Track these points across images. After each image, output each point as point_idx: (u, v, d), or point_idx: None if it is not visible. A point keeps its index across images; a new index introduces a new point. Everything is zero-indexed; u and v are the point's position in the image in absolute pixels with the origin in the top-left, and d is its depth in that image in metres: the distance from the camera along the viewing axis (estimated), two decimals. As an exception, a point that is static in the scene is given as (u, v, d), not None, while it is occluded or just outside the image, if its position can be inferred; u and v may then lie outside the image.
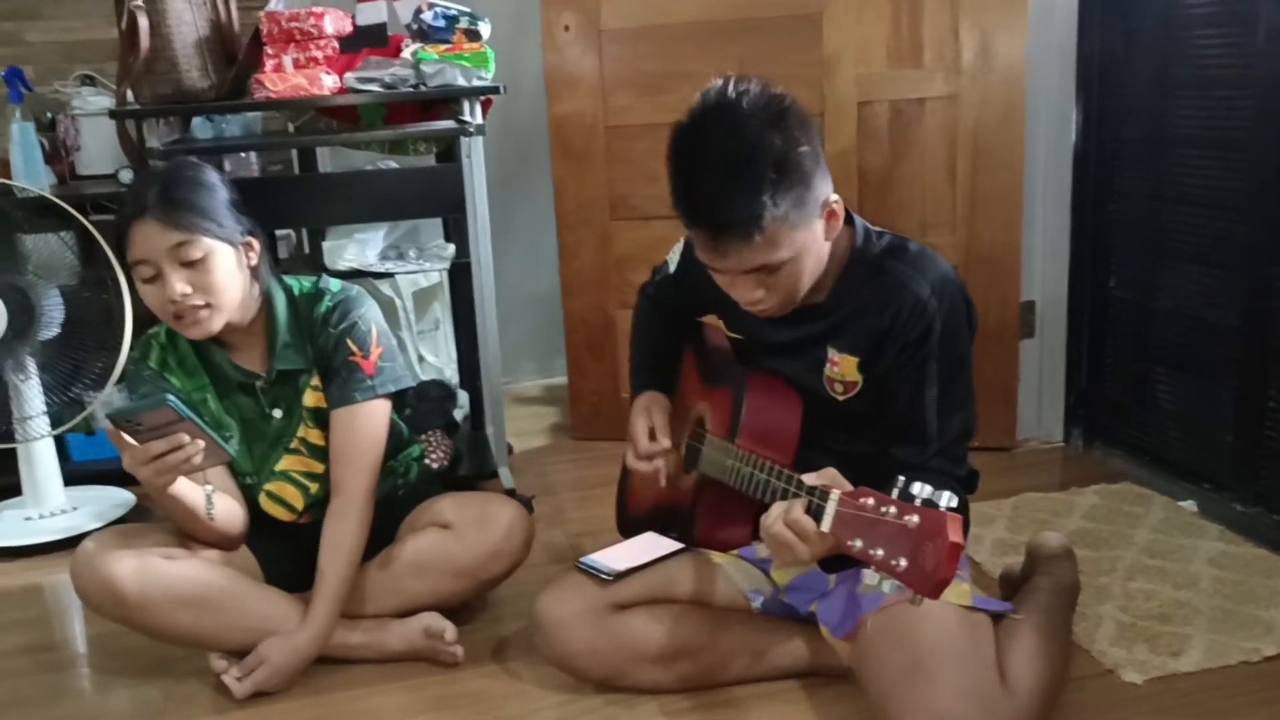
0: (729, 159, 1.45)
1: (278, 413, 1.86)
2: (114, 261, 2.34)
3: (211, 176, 1.77)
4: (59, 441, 2.59)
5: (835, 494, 1.32)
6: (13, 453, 2.50)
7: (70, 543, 2.26)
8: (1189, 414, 2.42)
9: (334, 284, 1.88)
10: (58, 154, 2.85)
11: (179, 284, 1.69)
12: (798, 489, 1.44)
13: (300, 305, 1.86)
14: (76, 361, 2.41)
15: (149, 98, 2.30)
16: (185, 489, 1.71)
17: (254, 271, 1.81)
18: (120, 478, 2.68)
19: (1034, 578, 1.81)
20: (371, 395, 1.83)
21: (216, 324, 1.74)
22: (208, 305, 1.72)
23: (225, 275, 1.73)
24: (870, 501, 1.26)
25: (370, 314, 1.86)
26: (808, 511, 1.36)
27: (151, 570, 1.73)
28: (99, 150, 2.82)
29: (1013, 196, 2.59)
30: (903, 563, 1.21)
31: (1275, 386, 2.15)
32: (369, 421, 1.83)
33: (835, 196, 1.53)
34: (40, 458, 2.51)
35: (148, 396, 1.76)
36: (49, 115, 2.89)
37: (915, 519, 1.21)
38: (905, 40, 2.57)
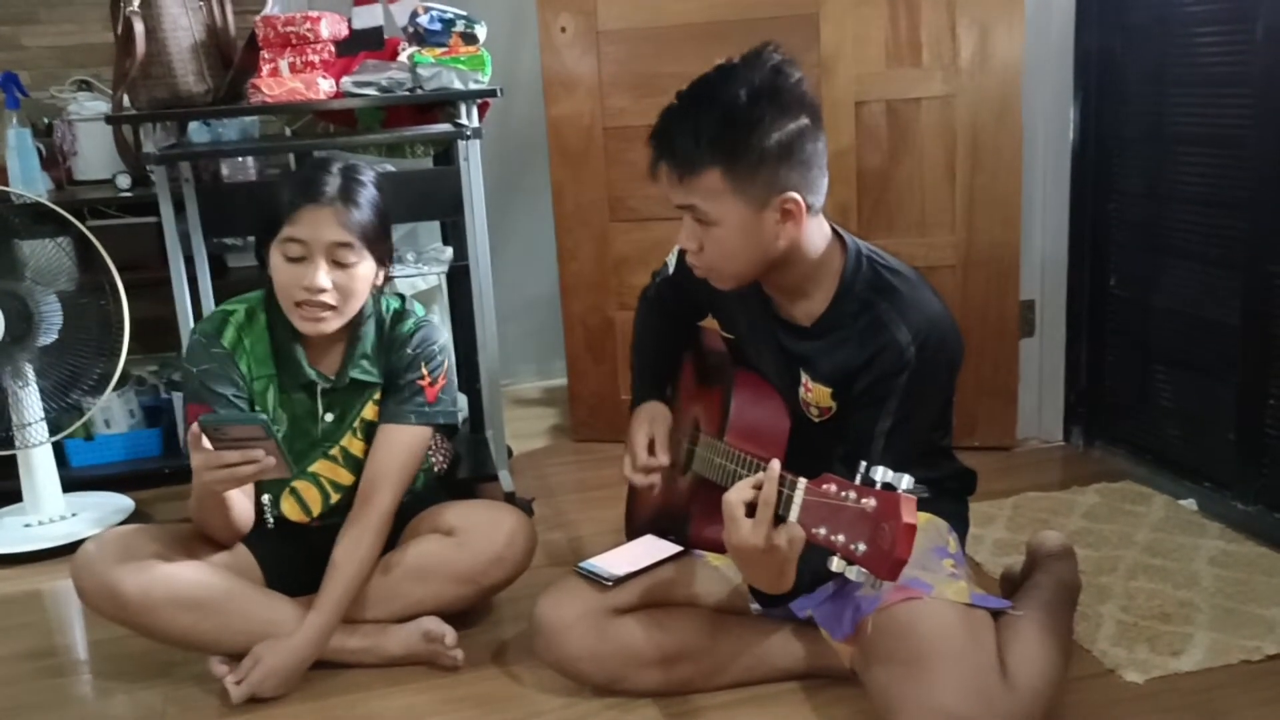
0: (698, 97, 1.50)
1: (330, 417, 1.88)
2: (111, 266, 2.34)
3: (383, 195, 1.81)
4: (57, 448, 2.59)
5: (803, 482, 1.32)
6: (12, 459, 2.49)
7: (69, 549, 2.25)
8: (1189, 412, 2.41)
9: (418, 308, 1.94)
10: (54, 159, 2.84)
11: (324, 278, 1.72)
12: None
13: (386, 321, 1.89)
14: (75, 367, 2.41)
15: (145, 102, 2.29)
16: (237, 495, 1.75)
17: (377, 291, 1.86)
18: (119, 483, 2.70)
19: (1034, 576, 1.80)
20: (424, 421, 1.87)
21: (333, 326, 1.77)
22: (334, 308, 1.74)
23: (362, 286, 1.78)
24: (833, 488, 1.27)
25: (448, 347, 1.93)
26: (779, 500, 1.35)
27: (153, 572, 1.74)
28: (96, 155, 2.82)
29: (1011, 195, 2.59)
30: (862, 547, 1.21)
31: (1276, 384, 2.14)
32: (412, 443, 1.87)
33: (798, 198, 1.50)
34: (39, 464, 2.50)
35: (231, 408, 1.79)
36: (45, 120, 2.89)
37: (873, 502, 1.21)
38: (903, 39, 2.57)
